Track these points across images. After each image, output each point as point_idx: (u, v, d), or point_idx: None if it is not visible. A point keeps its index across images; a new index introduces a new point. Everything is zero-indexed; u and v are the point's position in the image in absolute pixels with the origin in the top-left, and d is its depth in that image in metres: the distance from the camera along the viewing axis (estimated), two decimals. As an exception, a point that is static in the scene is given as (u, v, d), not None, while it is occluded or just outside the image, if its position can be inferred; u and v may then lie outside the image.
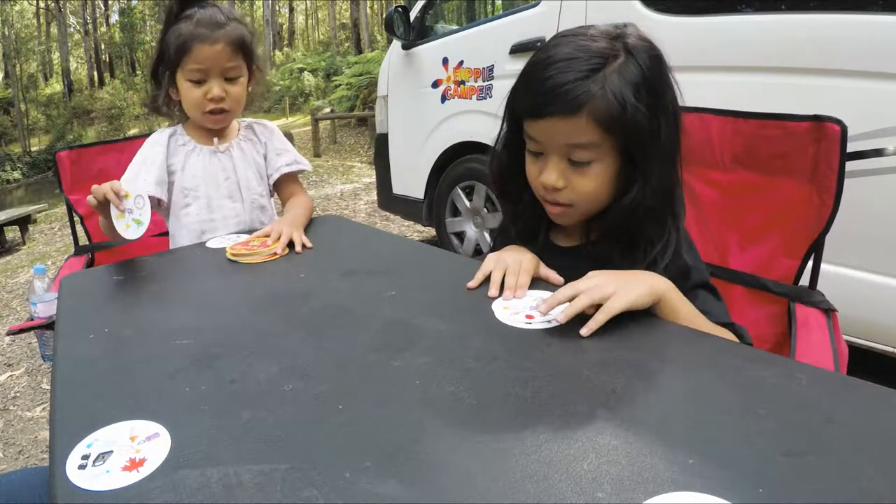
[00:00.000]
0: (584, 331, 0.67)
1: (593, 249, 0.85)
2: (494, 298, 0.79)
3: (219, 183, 1.31)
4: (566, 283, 0.76)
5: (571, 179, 0.79)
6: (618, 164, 0.79)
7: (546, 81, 0.76)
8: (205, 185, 1.29)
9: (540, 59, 0.79)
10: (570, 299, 0.69)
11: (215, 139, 1.32)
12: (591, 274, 0.72)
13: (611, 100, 0.73)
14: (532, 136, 0.81)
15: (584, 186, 0.79)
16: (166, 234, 1.39)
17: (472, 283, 0.83)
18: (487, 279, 0.83)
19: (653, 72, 0.76)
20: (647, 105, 0.75)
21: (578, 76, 0.74)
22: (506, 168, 0.91)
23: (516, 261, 0.83)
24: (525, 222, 0.93)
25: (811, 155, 0.95)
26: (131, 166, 1.28)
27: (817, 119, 0.93)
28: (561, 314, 0.69)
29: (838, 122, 0.91)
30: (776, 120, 0.99)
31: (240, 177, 1.32)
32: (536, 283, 0.83)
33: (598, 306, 0.68)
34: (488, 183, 2.75)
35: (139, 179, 1.24)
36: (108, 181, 1.09)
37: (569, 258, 0.87)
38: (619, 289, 0.68)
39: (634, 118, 0.74)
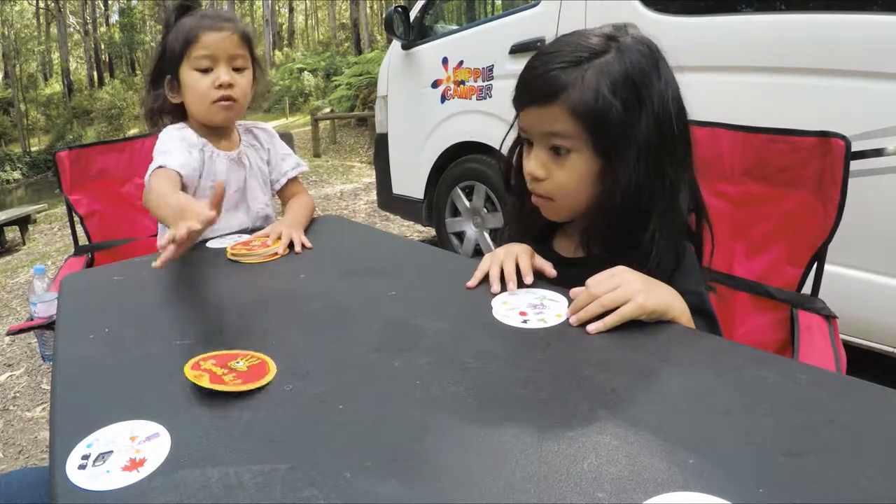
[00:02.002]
0: (592, 328, 0.68)
1: (594, 262, 0.82)
2: (496, 295, 0.79)
3: (229, 194, 1.27)
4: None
5: (552, 170, 0.82)
6: (597, 162, 0.79)
7: (530, 72, 0.80)
8: None
9: (534, 54, 0.82)
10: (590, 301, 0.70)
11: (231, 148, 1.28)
12: (617, 269, 0.72)
13: (584, 90, 0.75)
14: (522, 126, 0.84)
15: (561, 177, 0.81)
16: (166, 233, 1.39)
17: (472, 283, 0.83)
18: (486, 278, 0.83)
19: (637, 70, 0.77)
20: (624, 101, 0.76)
21: (558, 67, 0.77)
22: (509, 167, 0.92)
23: (511, 253, 0.84)
24: (525, 225, 0.93)
25: (817, 168, 0.98)
26: (164, 150, 1.15)
27: (824, 135, 0.96)
28: (573, 318, 0.70)
29: (843, 137, 0.94)
30: (784, 135, 1.02)
31: (248, 186, 1.30)
32: (540, 283, 0.83)
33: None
34: (488, 183, 2.75)
35: (172, 153, 1.13)
36: (108, 182, 1.07)
37: (570, 269, 0.86)
38: (637, 295, 0.68)
39: (606, 111, 0.75)
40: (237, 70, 1.22)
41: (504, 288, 0.81)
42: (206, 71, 1.19)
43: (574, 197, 0.82)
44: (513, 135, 0.91)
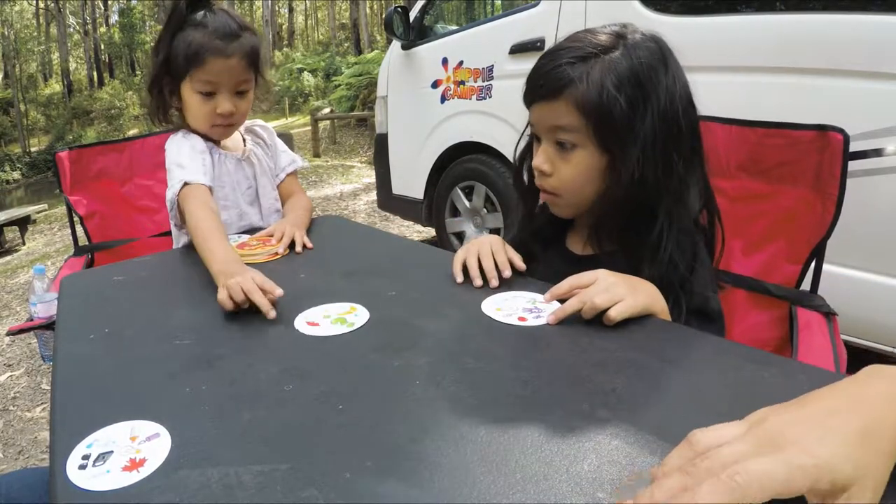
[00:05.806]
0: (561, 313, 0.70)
1: (606, 259, 0.83)
2: (480, 288, 0.81)
3: (243, 191, 1.29)
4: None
5: (558, 165, 0.82)
6: (602, 158, 0.80)
7: (539, 68, 0.81)
8: (233, 193, 1.27)
9: (545, 51, 0.83)
10: (570, 291, 0.71)
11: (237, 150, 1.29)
12: (599, 273, 0.72)
13: (589, 85, 0.76)
14: (531, 122, 0.85)
15: (566, 172, 0.82)
16: (167, 234, 1.39)
17: (458, 279, 0.85)
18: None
19: (644, 66, 0.77)
20: (629, 98, 0.76)
21: (564, 62, 0.78)
22: (521, 167, 0.93)
23: (485, 247, 0.86)
24: (532, 226, 0.94)
25: (814, 163, 0.97)
26: (179, 162, 1.13)
27: (821, 128, 0.95)
28: (551, 315, 0.70)
29: (841, 131, 0.93)
30: (781, 129, 1.01)
31: (259, 184, 1.31)
32: (529, 285, 0.83)
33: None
34: (488, 183, 2.75)
35: (190, 167, 1.12)
36: (108, 182, 1.05)
37: (583, 266, 0.86)
38: (626, 295, 0.68)
39: (609, 106, 0.76)
40: (240, 93, 1.18)
41: (486, 284, 0.82)
42: (208, 94, 1.15)
43: (579, 192, 0.83)
44: (527, 136, 0.92)
